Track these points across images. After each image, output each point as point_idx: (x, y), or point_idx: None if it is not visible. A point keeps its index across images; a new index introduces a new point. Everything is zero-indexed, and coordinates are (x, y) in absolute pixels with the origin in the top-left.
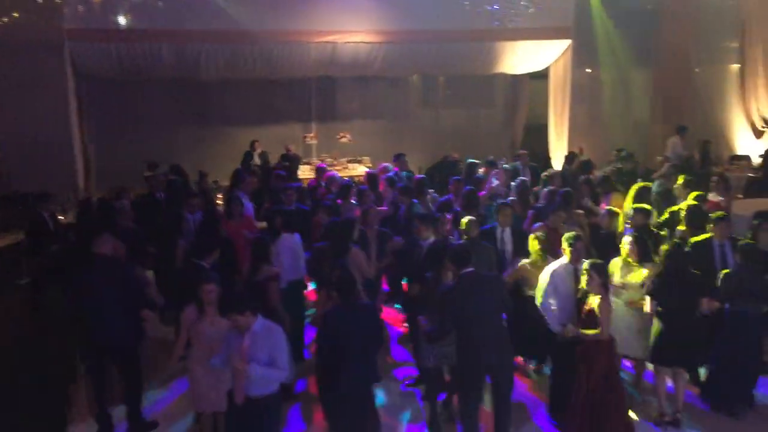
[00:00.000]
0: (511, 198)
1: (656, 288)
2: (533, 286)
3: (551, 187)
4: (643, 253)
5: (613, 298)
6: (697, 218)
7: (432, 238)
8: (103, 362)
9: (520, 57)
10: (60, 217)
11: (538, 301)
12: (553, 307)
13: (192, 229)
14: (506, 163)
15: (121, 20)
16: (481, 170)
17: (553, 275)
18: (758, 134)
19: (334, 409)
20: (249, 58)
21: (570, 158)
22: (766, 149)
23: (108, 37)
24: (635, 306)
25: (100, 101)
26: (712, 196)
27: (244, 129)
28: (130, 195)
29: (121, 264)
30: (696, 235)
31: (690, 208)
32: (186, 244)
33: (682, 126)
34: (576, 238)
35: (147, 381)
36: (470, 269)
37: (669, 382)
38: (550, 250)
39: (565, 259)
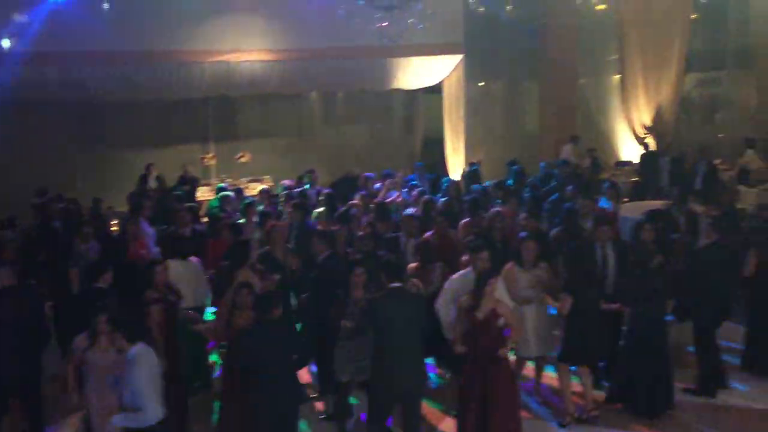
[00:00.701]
0: (412, 209)
1: (565, 288)
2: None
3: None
4: (537, 256)
5: (510, 302)
6: (573, 221)
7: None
8: (7, 401)
9: (414, 73)
10: None
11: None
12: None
13: (85, 257)
14: (407, 175)
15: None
16: (377, 184)
17: (453, 283)
18: (640, 141)
19: None
20: (141, 79)
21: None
22: (641, 154)
23: None
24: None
25: None
26: (604, 202)
27: (142, 152)
28: (17, 224)
29: (18, 298)
30: (573, 238)
31: (566, 212)
32: (79, 270)
33: (574, 135)
34: (480, 247)
35: (47, 418)
36: (399, 284)
37: (574, 382)
38: (437, 256)
39: (469, 268)
